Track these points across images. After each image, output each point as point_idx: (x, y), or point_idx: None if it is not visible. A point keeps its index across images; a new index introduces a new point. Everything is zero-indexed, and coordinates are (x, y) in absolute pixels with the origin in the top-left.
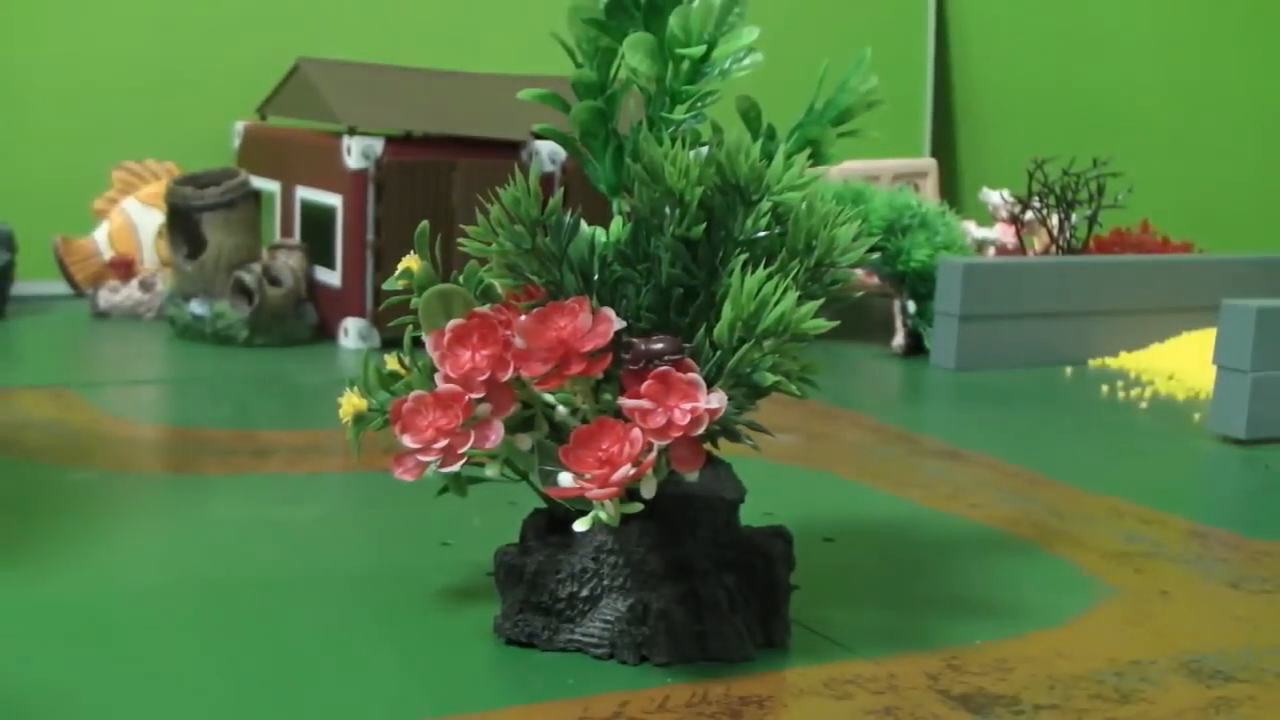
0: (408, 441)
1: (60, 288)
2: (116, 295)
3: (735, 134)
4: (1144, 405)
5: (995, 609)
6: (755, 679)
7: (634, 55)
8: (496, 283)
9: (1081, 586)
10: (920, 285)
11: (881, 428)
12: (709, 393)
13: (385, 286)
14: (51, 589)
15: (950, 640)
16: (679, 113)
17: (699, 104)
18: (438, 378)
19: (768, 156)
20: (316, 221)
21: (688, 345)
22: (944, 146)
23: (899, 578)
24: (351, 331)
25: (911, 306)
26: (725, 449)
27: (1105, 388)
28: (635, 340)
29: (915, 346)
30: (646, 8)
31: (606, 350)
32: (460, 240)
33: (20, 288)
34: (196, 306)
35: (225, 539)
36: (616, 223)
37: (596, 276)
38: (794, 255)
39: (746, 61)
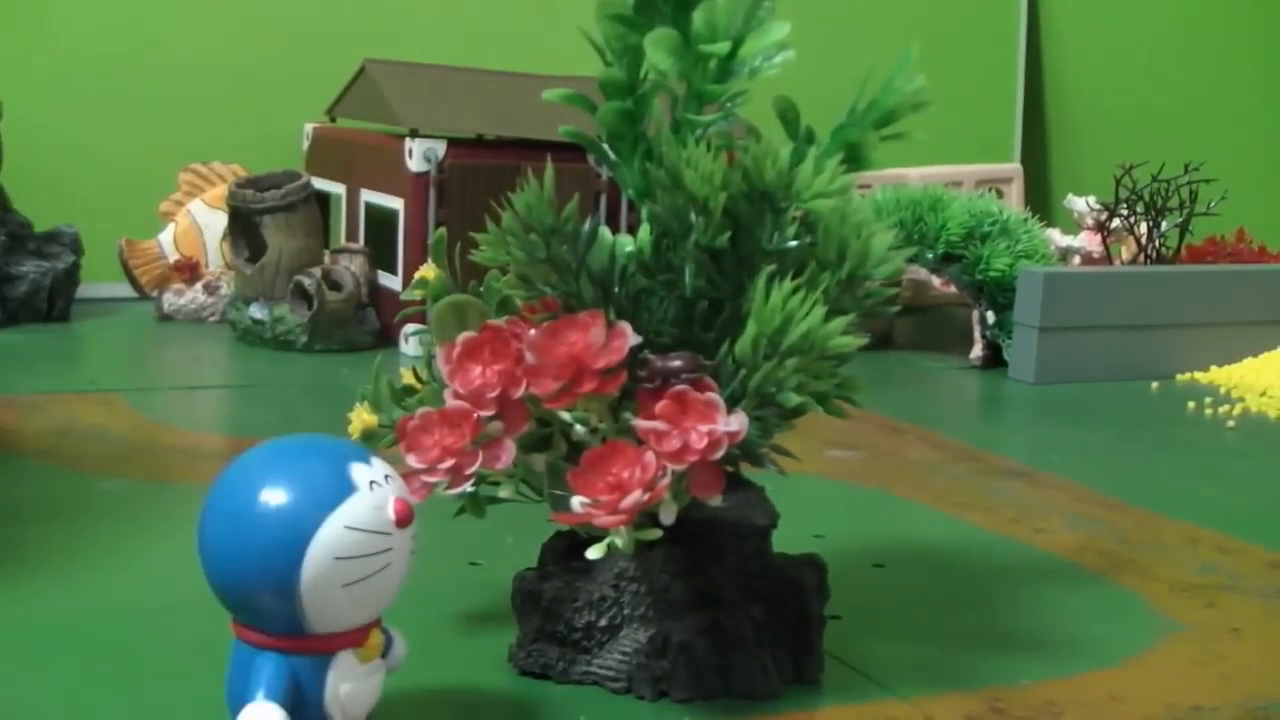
0: (412, 461)
1: (125, 290)
2: (181, 298)
3: (764, 138)
4: (1231, 424)
5: (1049, 645)
6: (780, 719)
7: (656, 53)
8: (514, 294)
9: (1146, 622)
10: (1000, 295)
11: (949, 444)
12: (729, 414)
13: (403, 296)
14: (50, 605)
15: (997, 679)
16: (706, 114)
17: (727, 104)
18: (447, 394)
19: (801, 161)
20: (380, 225)
21: (708, 363)
22: (1035, 152)
23: (949, 608)
24: (412, 338)
25: (990, 317)
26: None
27: (1192, 404)
28: (651, 357)
29: (995, 359)
30: (675, 4)
31: (621, 367)
32: (472, 252)
33: (85, 290)
34: (256, 310)
35: None
36: (645, 230)
37: (617, 288)
38: (824, 267)
39: (778, 59)
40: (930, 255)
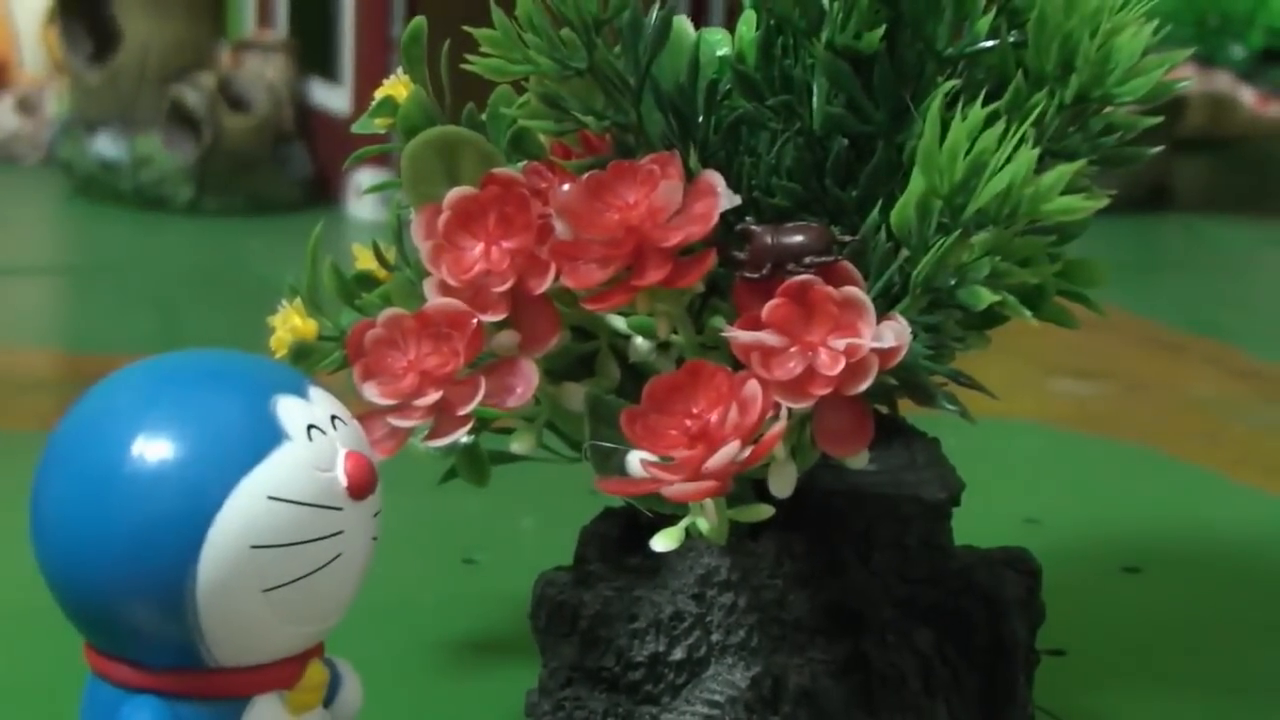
0: (374, 394)
1: None
2: None
3: None
4: None
5: None
6: None
7: None
8: (536, 126)
9: None
10: None
11: (1262, 371)
12: (880, 320)
13: (356, 127)
14: None
15: None
16: None
17: None
18: (428, 286)
19: None
20: (313, 3)
21: (848, 239)
22: None
23: (1244, 642)
24: (370, 195)
25: None
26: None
27: None
28: (758, 229)
29: None
30: None
31: (709, 245)
32: (470, 57)
33: None
34: (108, 144)
35: None
36: (748, 23)
37: (702, 117)
38: (1038, 84)
39: None
40: (1239, 52)
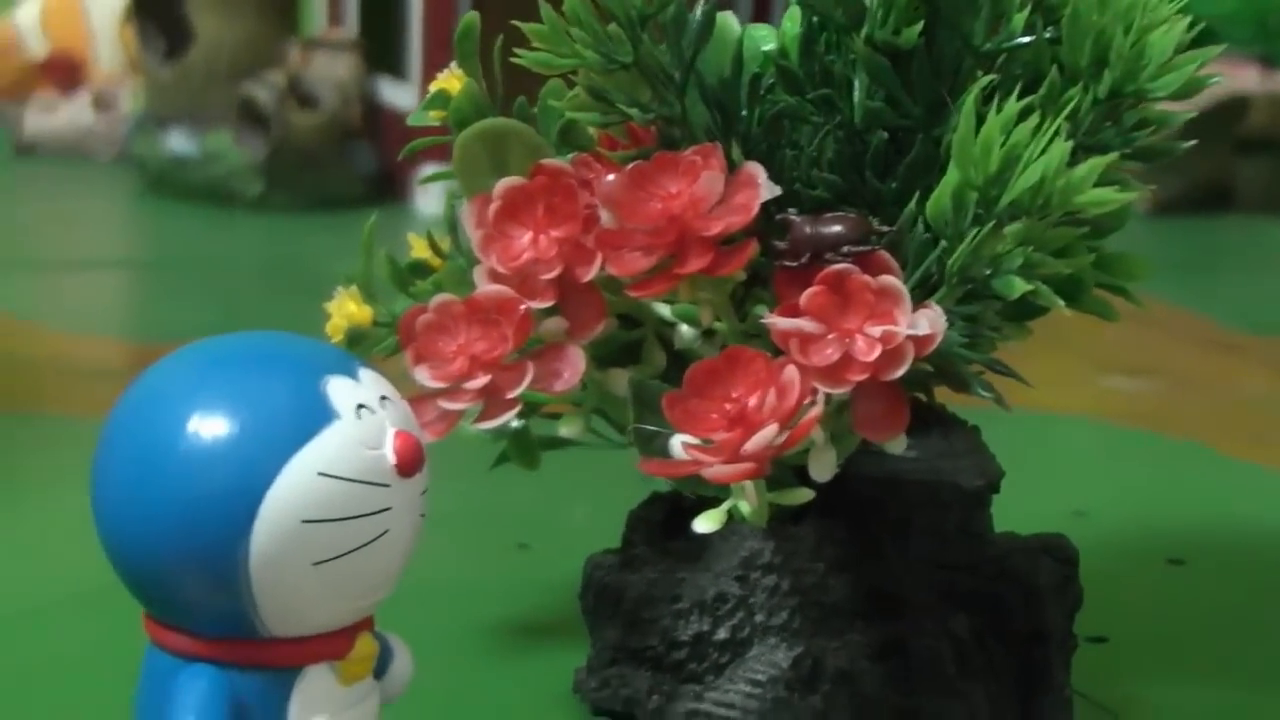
0: (425, 377)
1: None
2: (53, 118)
3: None
4: None
5: None
6: None
7: None
8: (582, 118)
9: None
10: None
11: None
12: (916, 308)
13: (411, 120)
14: None
15: None
16: None
17: None
18: (478, 274)
19: None
20: (382, 2)
21: (885, 229)
22: None
23: None
24: (434, 185)
25: None
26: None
27: None
28: (797, 219)
29: None
30: None
31: (750, 234)
32: (519, 51)
33: None
34: (179, 140)
35: None
36: (791, 20)
37: (745, 111)
38: (1073, 79)
39: None
40: None
